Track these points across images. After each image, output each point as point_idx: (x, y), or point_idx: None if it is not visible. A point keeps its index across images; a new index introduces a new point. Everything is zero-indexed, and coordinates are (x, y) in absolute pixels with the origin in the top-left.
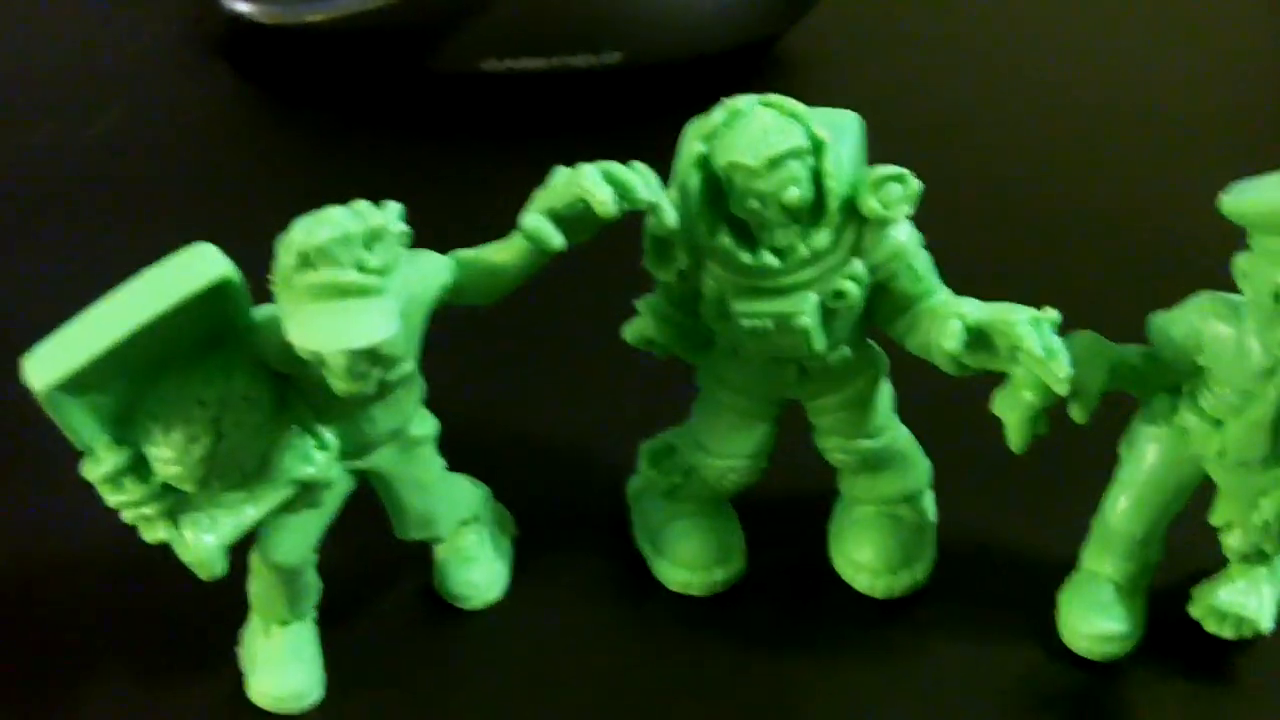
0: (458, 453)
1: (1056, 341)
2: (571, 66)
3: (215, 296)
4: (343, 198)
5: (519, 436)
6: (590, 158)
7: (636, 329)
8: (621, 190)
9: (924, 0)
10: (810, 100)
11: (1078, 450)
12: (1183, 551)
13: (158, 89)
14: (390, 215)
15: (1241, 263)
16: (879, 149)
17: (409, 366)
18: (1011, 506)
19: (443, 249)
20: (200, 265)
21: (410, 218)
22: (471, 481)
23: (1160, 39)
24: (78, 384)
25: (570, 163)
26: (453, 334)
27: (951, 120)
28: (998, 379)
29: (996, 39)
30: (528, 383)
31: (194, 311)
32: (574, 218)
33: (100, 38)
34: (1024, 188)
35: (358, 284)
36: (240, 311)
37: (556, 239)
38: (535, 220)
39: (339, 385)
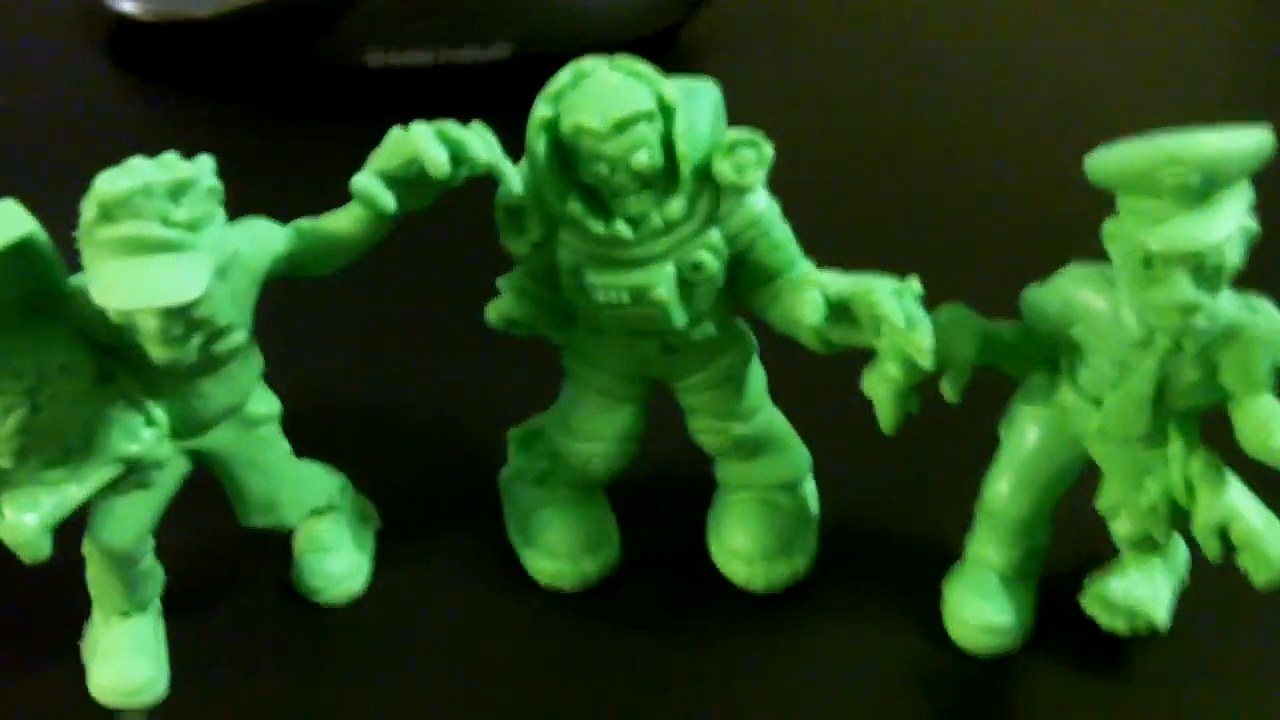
0: (318, 441)
1: (919, 311)
2: (458, 60)
3: (22, 257)
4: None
5: (386, 426)
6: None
7: (499, 308)
8: (456, 149)
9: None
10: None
11: (965, 436)
12: (1077, 538)
13: (39, 85)
14: (201, 168)
15: (1110, 227)
16: (782, 130)
17: (240, 337)
18: (897, 497)
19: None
20: (2, 222)
21: (292, 210)
22: (327, 469)
23: (1050, 28)
24: None
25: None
26: (321, 321)
27: (853, 101)
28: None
29: (897, 21)
30: (395, 371)
31: (1, 273)
32: (409, 179)
33: None
34: (907, 166)
35: (161, 238)
36: (55, 278)
37: (387, 200)
38: (365, 180)
39: (155, 352)
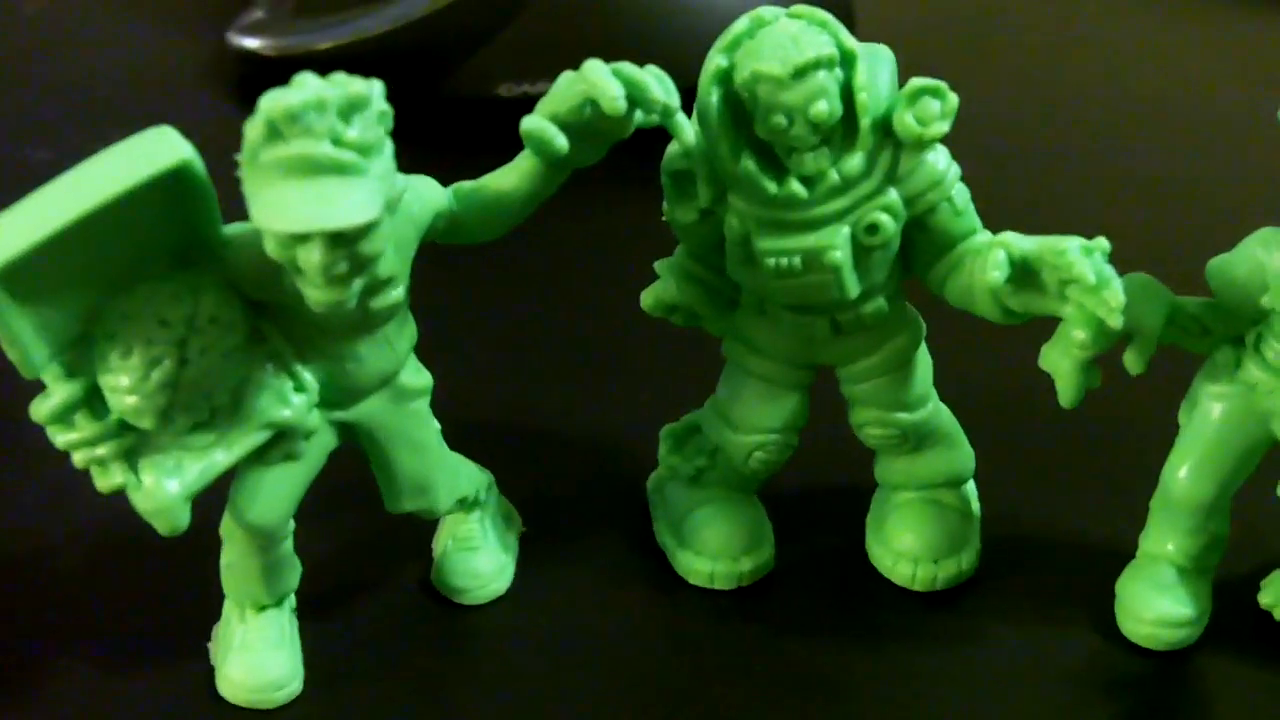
0: (463, 445)
1: (1108, 270)
2: None
3: (177, 191)
4: None
5: (530, 432)
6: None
7: (655, 293)
8: (632, 88)
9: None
10: None
11: (1132, 437)
12: (1253, 540)
13: (164, 120)
14: (373, 87)
15: None
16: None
17: (398, 294)
18: (1062, 497)
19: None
20: (159, 149)
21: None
22: (474, 463)
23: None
24: (23, 283)
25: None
26: (461, 333)
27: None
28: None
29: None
30: (538, 377)
31: (155, 210)
32: (580, 125)
33: (113, 73)
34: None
35: (333, 158)
36: (209, 223)
37: (559, 139)
38: (536, 120)
39: (315, 295)
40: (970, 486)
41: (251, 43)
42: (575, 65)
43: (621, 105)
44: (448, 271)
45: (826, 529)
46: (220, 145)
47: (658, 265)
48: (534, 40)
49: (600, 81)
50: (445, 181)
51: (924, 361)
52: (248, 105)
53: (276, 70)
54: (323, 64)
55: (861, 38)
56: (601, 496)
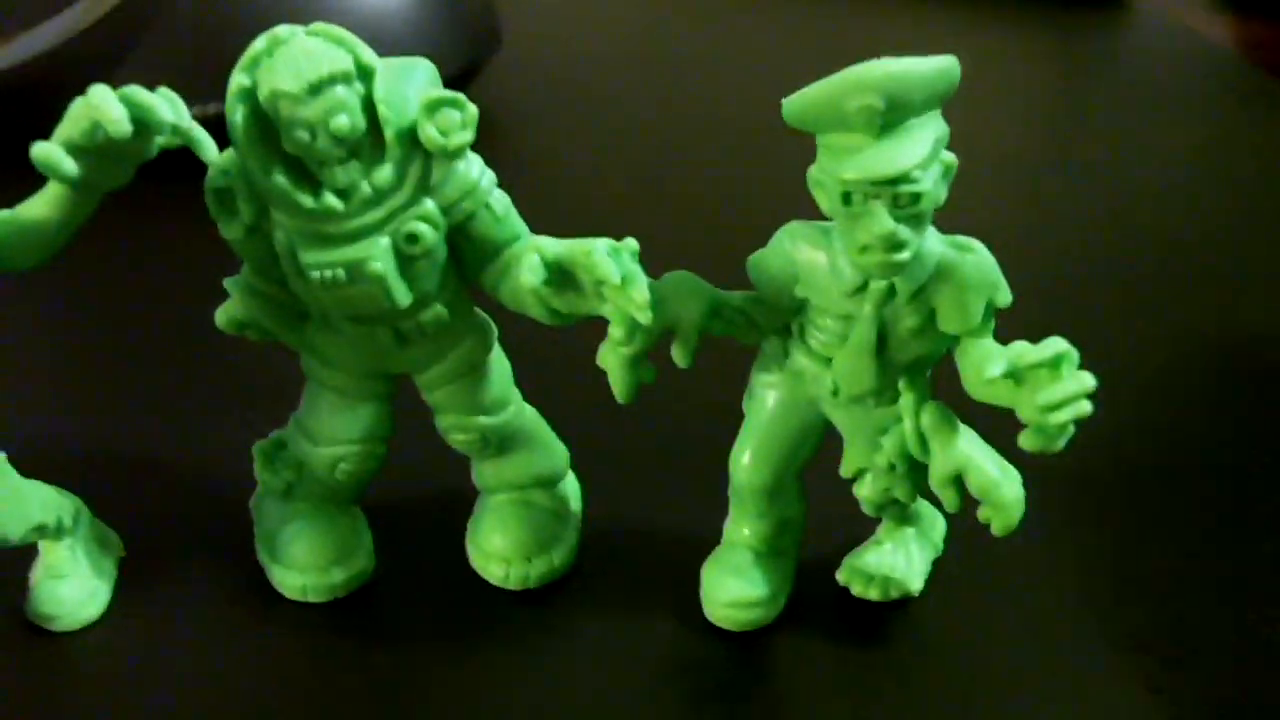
0: (52, 473)
1: (634, 268)
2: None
3: None
4: None
5: (131, 456)
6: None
7: (228, 311)
8: (138, 110)
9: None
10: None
11: (726, 429)
12: (837, 527)
13: None
14: None
15: (813, 173)
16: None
17: None
18: (662, 490)
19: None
20: None
21: None
22: (59, 491)
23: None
24: None
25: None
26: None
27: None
28: None
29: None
30: (132, 403)
31: None
32: (97, 148)
33: None
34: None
35: None
36: None
37: (68, 165)
38: (42, 146)
39: None
40: (569, 485)
41: None
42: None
43: (125, 128)
44: (30, 298)
45: (431, 536)
46: None
47: (226, 283)
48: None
49: (102, 105)
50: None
51: (499, 365)
52: None
53: None
54: None
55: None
56: (207, 516)
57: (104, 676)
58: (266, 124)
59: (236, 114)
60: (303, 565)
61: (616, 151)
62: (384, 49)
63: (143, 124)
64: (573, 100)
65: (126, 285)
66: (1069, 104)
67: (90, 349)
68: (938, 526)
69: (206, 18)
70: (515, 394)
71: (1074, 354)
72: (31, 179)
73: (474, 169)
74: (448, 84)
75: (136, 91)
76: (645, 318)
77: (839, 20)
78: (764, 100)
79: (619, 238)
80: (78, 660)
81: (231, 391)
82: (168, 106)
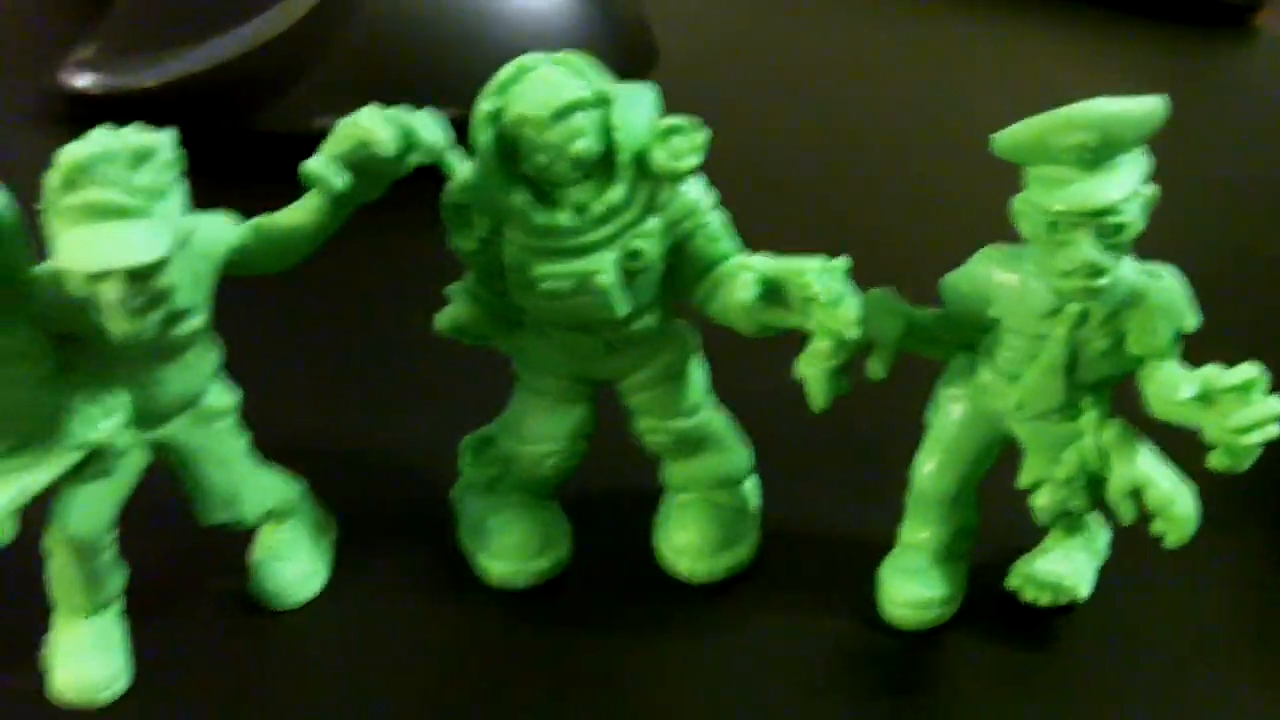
0: (281, 456)
1: (845, 287)
2: None
3: None
4: None
5: (346, 445)
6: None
7: (448, 315)
8: (406, 133)
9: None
10: None
11: (905, 436)
12: (1004, 534)
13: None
14: (160, 140)
15: (1018, 203)
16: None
17: (197, 322)
18: (836, 492)
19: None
20: None
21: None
22: (285, 475)
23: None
24: None
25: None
26: (279, 354)
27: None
28: None
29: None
30: (351, 395)
31: None
32: (360, 165)
33: None
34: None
35: (121, 204)
36: (17, 262)
37: (337, 180)
38: (316, 163)
39: (115, 326)
40: (750, 484)
41: (80, 82)
42: (382, 99)
43: (392, 148)
44: (265, 298)
45: (622, 530)
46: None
47: (449, 289)
48: (342, 77)
49: (372, 127)
50: (255, 212)
51: (697, 371)
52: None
53: (105, 108)
54: (146, 102)
55: (663, 69)
56: (412, 505)
57: (319, 653)
58: (508, 145)
59: (484, 136)
60: (508, 554)
61: (769, 168)
62: None
63: (407, 145)
64: (729, 116)
65: (354, 289)
66: (1198, 126)
67: (317, 347)
68: (1101, 536)
69: (389, 26)
70: (709, 399)
71: (1264, 380)
72: (226, 182)
73: (696, 190)
74: None
75: (401, 113)
76: (853, 333)
77: (976, 34)
78: (911, 114)
79: (780, 253)
80: (296, 637)
81: (432, 391)
82: (430, 128)
